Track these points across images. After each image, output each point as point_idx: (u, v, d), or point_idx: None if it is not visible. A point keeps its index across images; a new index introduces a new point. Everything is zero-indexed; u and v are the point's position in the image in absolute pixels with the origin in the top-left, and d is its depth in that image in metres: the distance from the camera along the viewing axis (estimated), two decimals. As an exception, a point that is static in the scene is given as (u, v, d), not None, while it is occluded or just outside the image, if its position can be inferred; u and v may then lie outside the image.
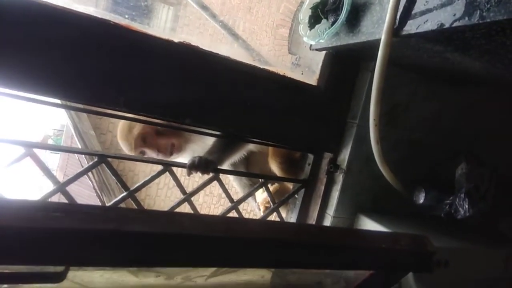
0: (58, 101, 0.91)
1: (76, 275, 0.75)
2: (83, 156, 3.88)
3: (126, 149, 1.28)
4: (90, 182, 5.19)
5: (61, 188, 0.88)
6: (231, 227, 0.58)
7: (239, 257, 0.57)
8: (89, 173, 5.00)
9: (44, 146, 0.89)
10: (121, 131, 1.29)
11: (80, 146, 4.72)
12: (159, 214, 0.55)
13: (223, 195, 1.06)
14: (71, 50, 0.78)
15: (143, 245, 0.51)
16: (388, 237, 0.76)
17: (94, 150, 1.16)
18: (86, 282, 0.75)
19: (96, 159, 0.90)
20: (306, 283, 0.82)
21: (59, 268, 0.48)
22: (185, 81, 0.89)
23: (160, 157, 1.26)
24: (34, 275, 0.48)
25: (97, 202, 4.82)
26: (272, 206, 1.14)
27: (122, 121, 1.26)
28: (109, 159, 0.91)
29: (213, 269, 0.77)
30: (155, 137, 1.26)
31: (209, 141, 1.25)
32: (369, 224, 1.08)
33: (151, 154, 1.27)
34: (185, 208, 1.02)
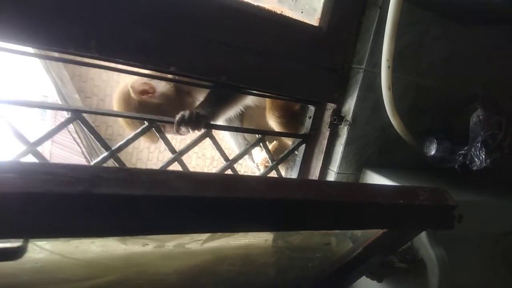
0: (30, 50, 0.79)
1: (55, 244, 0.66)
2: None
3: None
4: (79, 148, 5.08)
5: (32, 148, 0.77)
6: (230, 185, 0.48)
7: (240, 220, 0.48)
8: (77, 138, 4.87)
9: (6, 101, 0.77)
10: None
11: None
12: (141, 172, 0.45)
13: (216, 156, 0.97)
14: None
15: (121, 211, 0.41)
16: (405, 192, 0.68)
17: (67, 105, 1.03)
18: (67, 252, 0.66)
19: (70, 115, 0.79)
20: (313, 245, 0.75)
21: (16, 242, 0.39)
22: (166, 20, 0.76)
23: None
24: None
25: (88, 168, 4.69)
26: (271, 164, 1.05)
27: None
28: (85, 115, 0.79)
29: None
30: None
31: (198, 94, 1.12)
32: (376, 180, 1.00)
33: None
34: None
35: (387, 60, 0.78)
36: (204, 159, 5.93)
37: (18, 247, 0.39)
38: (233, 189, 0.48)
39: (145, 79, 1.05)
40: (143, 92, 1.06)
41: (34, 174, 0.41)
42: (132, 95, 1.04)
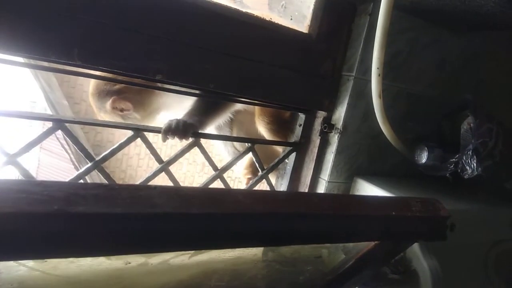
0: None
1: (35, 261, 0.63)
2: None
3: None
4: (67, 155, 5.00)
5: (12, 159, 0.74)
6: (215, 200, 0.46)
7: (227, 237, 0.45)
8: (66, 145, 4.79)
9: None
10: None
11: (53, 117, 4.46)
12: (121, 188, 0.43)
13: (207, 162, 0.94)
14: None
15: (99, 230, 0.38)
16: (397, 203, 0.66)
17: (48, 114, 1.00)
18: (48, 269, 0.63)
19: (51, 125, 0.76)
20: (304, 258, 0.73)
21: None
22: (152, 27, 0.74)
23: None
24: None
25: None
26: (261, 172, 1.03)
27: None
28: (67, 124, 0.77)
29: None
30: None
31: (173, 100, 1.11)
32: (367, 188, 0.99)
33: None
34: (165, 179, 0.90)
35: (378, 68, 0.77)
36: (195, 165, 5.88)
37: (-14, 272, 0.36)
38: (219, 204, 0.46)
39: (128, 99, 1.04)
40: (119, 109, 1.05)
41: (6, 192, 0.38)
42: (109, 105, 1.03)
